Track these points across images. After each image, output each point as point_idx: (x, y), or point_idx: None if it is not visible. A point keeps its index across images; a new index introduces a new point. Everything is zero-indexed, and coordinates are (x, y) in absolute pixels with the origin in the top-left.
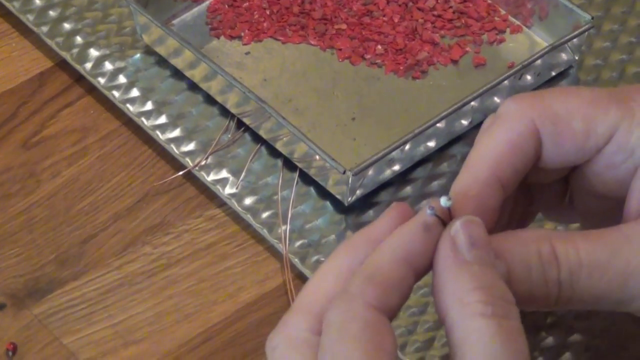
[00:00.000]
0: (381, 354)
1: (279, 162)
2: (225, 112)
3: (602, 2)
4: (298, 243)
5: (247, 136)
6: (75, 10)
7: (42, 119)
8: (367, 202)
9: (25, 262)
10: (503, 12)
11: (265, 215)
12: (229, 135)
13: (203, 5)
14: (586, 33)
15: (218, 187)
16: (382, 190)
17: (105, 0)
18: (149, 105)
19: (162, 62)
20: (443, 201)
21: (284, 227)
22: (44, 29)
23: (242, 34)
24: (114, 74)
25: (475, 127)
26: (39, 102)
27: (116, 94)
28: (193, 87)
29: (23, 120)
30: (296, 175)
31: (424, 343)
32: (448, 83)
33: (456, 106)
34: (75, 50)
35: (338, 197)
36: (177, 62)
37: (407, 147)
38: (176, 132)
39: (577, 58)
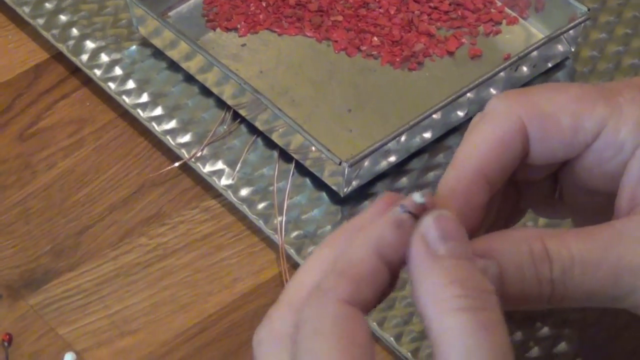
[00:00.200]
0: (354, 349)
1: (275, 154)
2: (221, 103)
3: None
4: (294, 234)
5: (243, 127)
6: (71, 2)
7: (38, 110)
8: (363, 193)
9: (21, 253)
10: (499, 3)
11: (261, 206)
12: (225, 127)
13: None
14: (582, 25)
15: (214, 178)
16: (378, 182)
17: None
18: (144, 97)
19: (158, 54)
20: (416, 197)
21: (279, 218)
22: (40, 21)
23: (238, 26)
24: (110, 66)
25: (471, 119)
26: (35, 94)
27: (112, 85)
28: (189, 78)
29: (19, 112)
30: (292, 166)
31: (420, 333)
32: (444, 74)
33: (452, 97)
34: (71, 42)
35: (334, 188)
36: (173, 54)
37: (403, 138)
38: (172, 124)
39: (573, 50)
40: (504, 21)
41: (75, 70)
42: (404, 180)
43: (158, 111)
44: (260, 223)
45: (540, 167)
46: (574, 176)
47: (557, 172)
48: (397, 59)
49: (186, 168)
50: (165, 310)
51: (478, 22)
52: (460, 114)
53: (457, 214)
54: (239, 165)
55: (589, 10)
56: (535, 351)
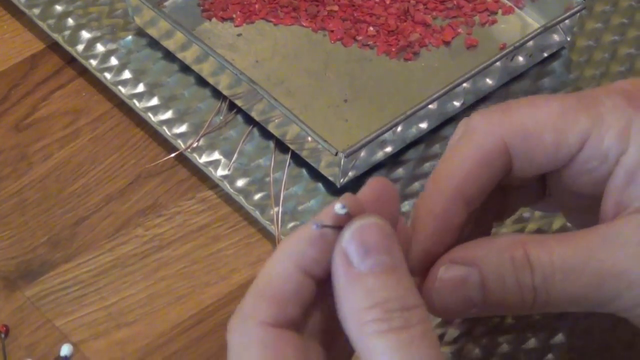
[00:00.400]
0: None
1: (271, 144)
2: (217, 94)
3: None
4: (290, 225)
5: (239, 118)
6: None
7: (34, 101)
8: (359, 183)
9: (17, 245)
10: None
11: (257, 197)
12: (221, 117)
13: None
14: (578, 14)
15: (210, 169)
16: (374, 172)
17: None
18: (140, 87)
19: (153, 44)
20: (337, 208)
21: (276, 209)
22: (36, 11)
23: (234, 16)
24: (106, 56)
25: (468, 109)
26: (30, 85)
27: (108, 76)
28: (185, 69)
29: (15, 103)
30: (288, 157)
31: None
32: (440, 64)
33: (448, 87)
34: (67, 33)
35: (330, 178)
36: (169, 44)
37: (399, 128)
38: (168, 114)
39: (569, 39)
40: (500, 11)
41: (71, 61)
42: (400, 171)
43: (154, 101)
44: (256, 214)
45: (524, 178)
46: (561, 181)
47: (545, 175)
48: (393, 49)
49: (182, 159)
50: (161, 301)
51: (474, 11)
52: (457, 104)
53: (434, 235)
54: (235, 155)
55: None
56: None
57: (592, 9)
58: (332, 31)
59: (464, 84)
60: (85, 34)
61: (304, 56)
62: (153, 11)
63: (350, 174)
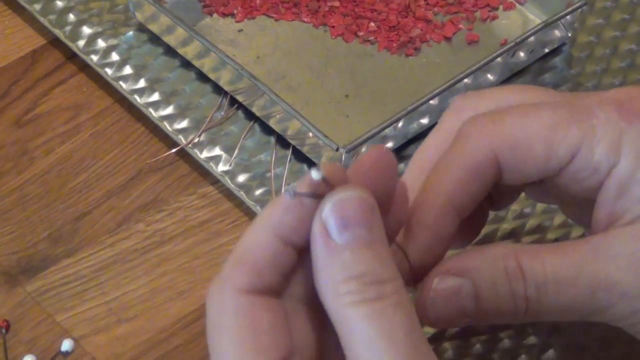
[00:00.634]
0: (259, 337)
1: (272, 140)
2: (218, 89)
3: None
4: None
5: (240, 113)
6: None
7: (35, 96)
8: None
9: (18, 240)
10: None
11: (258, 192)
12: (222, 113)
13: None
14: (579, 10)
15: (211, 164)
16: None
17: None
18: (142, 83)
19: (154, 39)
20: (313, 174)
21: None
22: (37, 6)
23: (235, 11)
24: (107, 52)
25: None
26: (31, 80)
27: (109, 71)
28: (186, 64)
29: (16, 98)
30: (289, 152)
31: (434, 336)
32: (441, 60)
33: (449, 83)
34: (67, 28)
35: None
36: (170, 40)
37: (400, 124)
38: (169, 110)
39: (570, 35)
40: (501, 6)
41: (72, 56)
42: (401, 167)
43: (155, 97)
44: (257, 209)
45: (514, 186)
46: (554, 187)
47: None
48: (394, 45)
49: (183, 154)
50: (163, 296)
51: (475, 7)
52: None
53: (426, 246)
54: (236, 151)
55: None
56: (523, 359)
57: (593, 5)
58: (333, 27)
59: (465, 80)
60: (86, 30)
61: (305, 52)
62: (154, 7)
63: None
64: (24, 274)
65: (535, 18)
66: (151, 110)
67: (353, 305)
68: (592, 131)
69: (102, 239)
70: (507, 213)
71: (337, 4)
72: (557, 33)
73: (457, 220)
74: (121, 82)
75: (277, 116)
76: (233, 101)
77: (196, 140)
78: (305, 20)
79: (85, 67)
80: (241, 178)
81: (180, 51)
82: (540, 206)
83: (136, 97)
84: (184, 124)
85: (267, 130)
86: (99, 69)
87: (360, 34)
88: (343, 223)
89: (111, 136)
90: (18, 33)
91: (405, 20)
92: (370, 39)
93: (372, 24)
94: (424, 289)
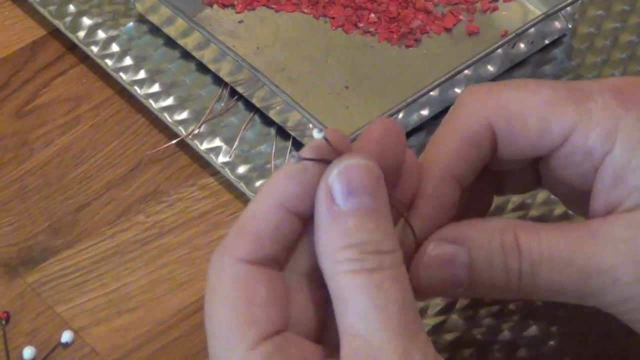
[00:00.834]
0: (252, 309)
1: (272, 131)
2: (218, 80)
3: None
4: None
5: (240, 105)
6: None
7: (35, 87)
8: None
9: (18, 231)
10: None
11: (258, 183)
12: (222, 104)
13: None
14: (579, 1)
15: (211, 155)
16: None
17: None
18: (142, 74)
19: (155, 30)
20: (315, 133)
21: None
22: None
23: (235, 2)
24: (107, 43)
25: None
26: (31, 71)
27: (109, 62)
28: (186, 55)
29: (16, 89)
30: (289, 143)
31: (434, 327)
32: (441, 51)
33: (449, 74)
34: (68, 19)
35: None
36: (170, 31)
37: (401, 115)
38: (169, 101)
39: (570, 26)
40: None
41: (72, 47)
42: None
43: (155, 88)
44: None
45: (512, 162)
46: (549, 170)
47: (537, 164)
48: (394, 36)
49: (183, 145)
50: (163, 288)
51: None
52: (458, 91)
53: (427, 217)
54: (236, 142)
55: None
56: (523, 351)
57: None
58: (334, 18)
59: (465, 71)
60: (87, 21)
61: (305, 43)
62: None
63: None
64: (24, 265)
65: (536, 9)
66: (151, 101)
67: (351, 273)
68: (589, 115)
69: (102, 230)
70: (507, 204)
71: None
72: (557, 24)
73: (458, 190)
74: (121, 73)
75: (278, 107)
76: (233, 92)
77: (196, 131)
78: (306, 11)
79: (85, 58)
80: (241, 169)
81: (181, 42)
82: (540, 197)
83: (136, 88)
84: (184, 115)
85: (268, 121)
86: (99, 60)
87: (361, 25)
88: (349, 189)
89: (111, 127)
90: (18, 24)
91: (406, 11)
92: (370, 30)
93: (373, 15)
94: (418, 254)
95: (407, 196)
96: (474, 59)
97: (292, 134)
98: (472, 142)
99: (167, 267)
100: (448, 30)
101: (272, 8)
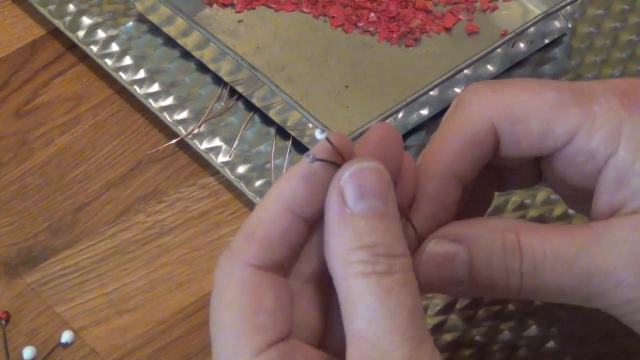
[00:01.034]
0: (259, 316)
1: (272, 130)
2: (218, 80)
3: None
4: None
5: (240, 104)
6: None
7: (35, 87)
8: None
9: (18, 231)
10: None
11: (258, 183)
12: (222, 104)
13: None
14: (579, 0)
15: (211, 155)
16: None
17: None
18: (141, 74)
19: (154, 30)
20: (317, 133)
21: None
22: None
23: (235, 2)
24: (107, 42)
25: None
26: (31, 71)
27: (109, 62)
28: (186, 55)
29: (15, 89)
30: (289, 143)
31: (434, 327)
32: (441, 51)
33: (449, 74)
34: (67, 18)
35: None
36: (170, 30)
37: (400, 115)
38: (169, 100)
39: (570, 26)
40: None
41: (71, 47)
42: None
43: (155, 88)
44: (257, 200)
45: (514, 159)
46: (552, 168)
47: (539, 160)
48: (394, 35)
49: (183, 145)
50: (162, 288)
51: None
52: (458, 90)
53: (429, 216)
54: (236, 142)
55: None
56: (523, 351)
57: None
58: (333, 17)
59: (465, 71)
60: (86, 20)
61: (305, 42)
62: None
63: None
64: (23, 265)
65: (535, 9)
66: (151, 101)
67: (361, 276)
68: (592, 117)
69: (101, 230)
70: (507, 204)
71: None
72: (557, 24)
73: (459, 188)
74: (121, 73)
75: (277, 107)
76: (233, 92)
77: (196, 131)
78: (305, 10)
79: (85, 58)
80: (241, 169)
81: (180, 42)
82: (540, 197)
83: (136, 87)
84: (183, 114)
85: (267, 121)
86: (98, 60)
87: (360, 24)
88: (361, 192)
89: (111, 127)
90: (18, 23)
91: (405, 10)
92: (370, 29)
93: (372, 14)
94: (419, 250)
95: (405, 199)
96: (474, 59)
97: (292, 133)
98: (475, 142)
99: (167, 267)
100: (448, 29)
101: (271, 7)
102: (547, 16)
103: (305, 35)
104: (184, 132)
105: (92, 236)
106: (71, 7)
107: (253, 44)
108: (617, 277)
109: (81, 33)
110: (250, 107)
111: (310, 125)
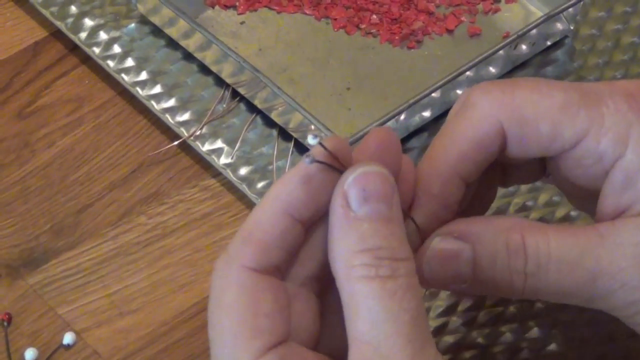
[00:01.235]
0: (258, 320)
1: (274, 132)
2: (220, 81)
3: None
4: None
5: (242, 106)
6: None
7: (37, 88)
8: None
9: (20, 232)
10: None
11: (260, 185)
12: (224, 105)
13: None
14: (581, 2)
15: (213, 157)
16: None
17: None
18: (143, 75)
19: (156, 31)
20: (310, 139)
21: None
22: None
23: (237, 3)
24: (109, 44)
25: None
26: (33, 72)
27: (111, 63)
28: (188, 56)
29: (18, 90)
30: (291, 145)
31: (436, 329)
32: (443, 53)
33: (451, 76)
34: (70, 20)
35: None
36: (172, 32)
37: (402, 117)
38: (171, 102)
39: (572, 28)
40: None
41: (73, 48)
42: None
43: (157, 89)
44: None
45: (519, 159)
46: (558, 169)
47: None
48: (396, 37)
49: (185, 147)
50: (164, 289)
51: None
52: (460, 92)
53: (433, 216)
54: (238, 143)
55: None
56: (525, 353)
57: None
58: (335, 19)
59: (467, 73)
60: (88, 22)
61: (307, 44)
62: None
63: None
64: (25, 266)
65: (538, 11)
66: (153, 102)
67: (364, 279)
68: (601, 119)
69: (103, 232)
70: (509, 206)
71: None
72: (559, 26)
73: (463, 188)
74: (123, 75)
75: (279, 109)
76: (235, 94)
77: (198, 132)
78: (308, 12)
79: (87, 60)
80: (243, 171)
81: (182, 43)
82: (542, 199)
83: (138, 89)
84: (185, 116)
85: (269, 123)
86: (100, 62)
87: (363, 26)
88: (365, 195)
89: (113, 129)
90: (20, 25)
91: (408, 12)
92: (372, 31)
93: (374, 16)
94: (423, 246)
95: (405, 201)
96: (476, 61)
97: (294, 135)
98: (482, 144)
99: (169, 268)
100: (450, 31)
101: (274, 9)
102: (549, 18)
103: (307, 37)
104: (186, 134)
105: (94, 238)
106: (73, 9)
107: (255, 45)
108: (622, 278)
109: (83, 35)
110: (252, 108)
111: (313, 127)
